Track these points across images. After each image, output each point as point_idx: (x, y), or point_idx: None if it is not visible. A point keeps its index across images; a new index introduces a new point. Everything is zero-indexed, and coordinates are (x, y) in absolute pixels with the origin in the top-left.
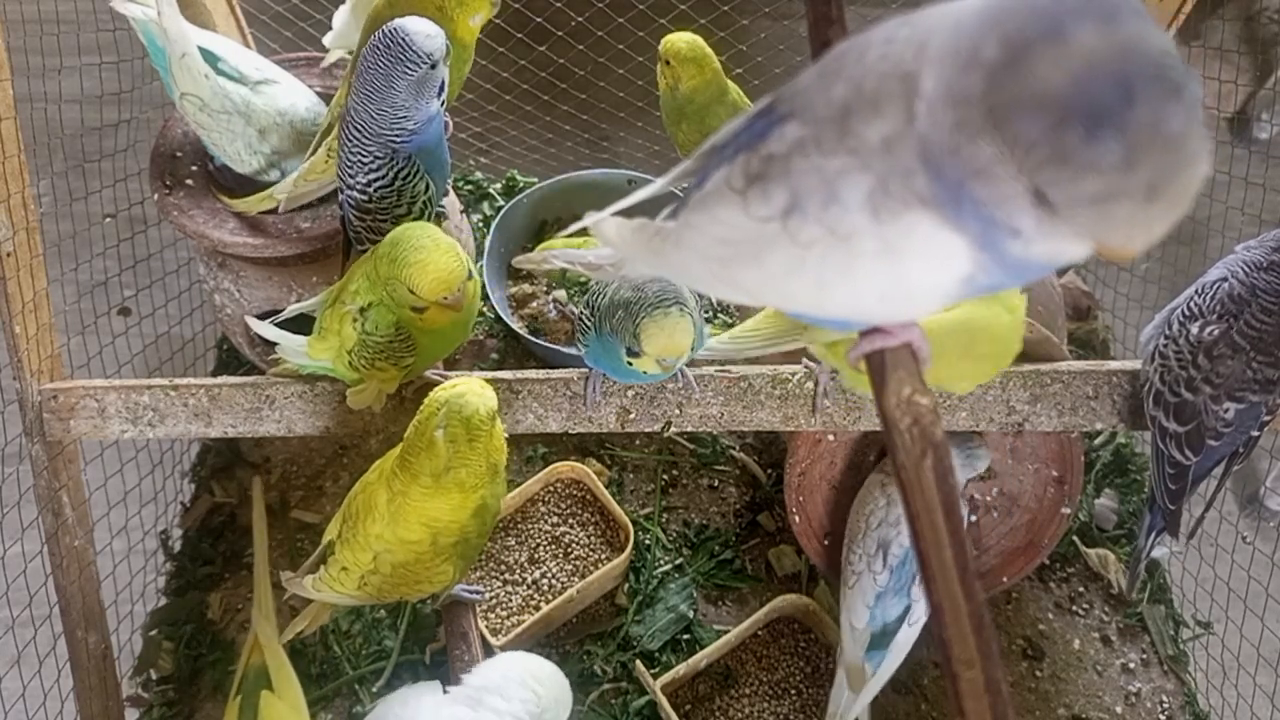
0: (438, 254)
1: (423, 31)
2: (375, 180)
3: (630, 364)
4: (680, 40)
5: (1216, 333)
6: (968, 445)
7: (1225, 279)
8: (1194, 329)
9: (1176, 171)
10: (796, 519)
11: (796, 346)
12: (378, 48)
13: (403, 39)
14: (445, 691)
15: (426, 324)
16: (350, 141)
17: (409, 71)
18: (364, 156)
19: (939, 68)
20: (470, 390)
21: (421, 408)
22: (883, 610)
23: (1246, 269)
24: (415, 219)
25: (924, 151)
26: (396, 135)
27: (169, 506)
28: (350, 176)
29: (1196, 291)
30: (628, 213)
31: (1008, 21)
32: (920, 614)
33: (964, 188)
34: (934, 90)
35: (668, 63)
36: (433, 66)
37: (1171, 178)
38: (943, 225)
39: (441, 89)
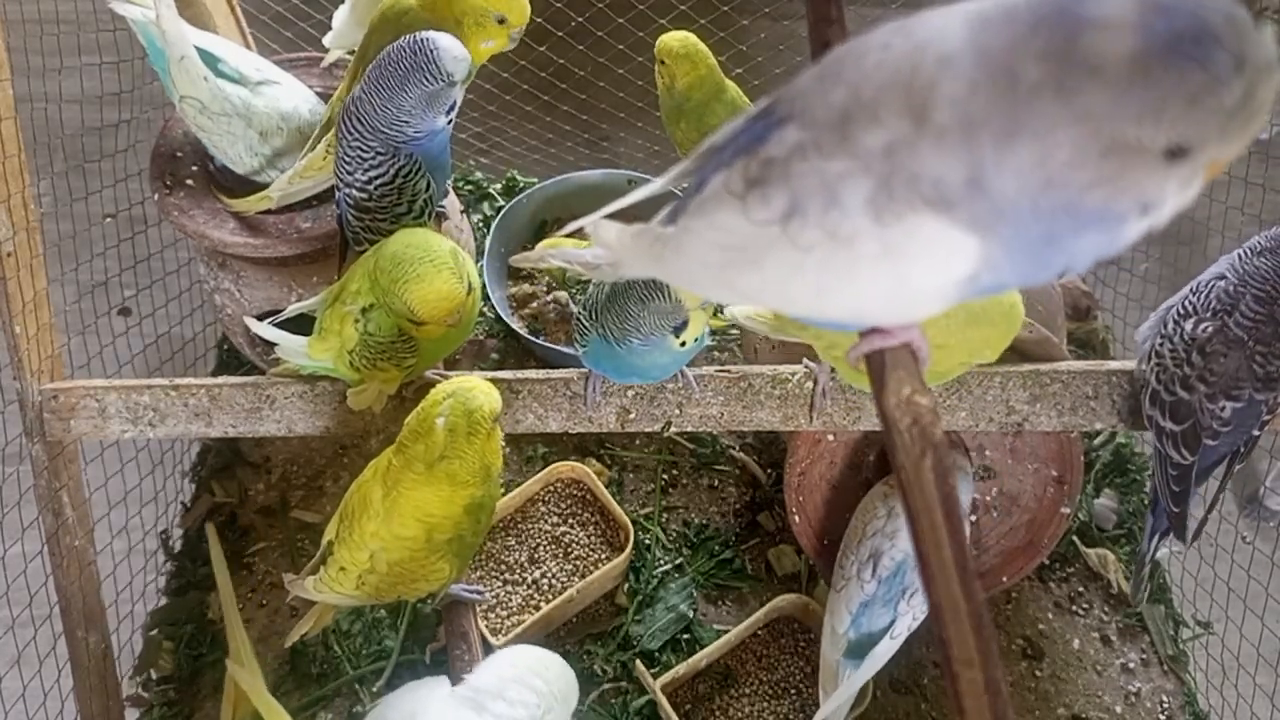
0: (439, 279)
1: (451, 51)
2: (377, 177)
3: (684, 343)
4: (673, 39)
5: (1210, 330)
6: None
7: (1223, 275)
8: (1188, 326)
9: (1261, 38)
10: (796, 519)
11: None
12: (404, 50)
13: (430, 50)
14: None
15: (425, 335)
16: (351, 135)
17: (426, 83)
18: (364, 151)
19: (986, 130)
20: (479, 387)
21: (428, 396)
22: (867, 619)
23: (1244, 256)
24: (416, 218)
25: (1000, 210)
26: (397, 136)
27: (169, 506)
28: (349, 174)
29: (1192, 290)
30: (626, 212)
31: (1025, 41)
32: (903, 629)
33: (1078, 208)
34: (994, 149)
35: (662, 62)
36: (450, 85)
37: (1264, 45)
38: (949, 227)
39: (452, 108)
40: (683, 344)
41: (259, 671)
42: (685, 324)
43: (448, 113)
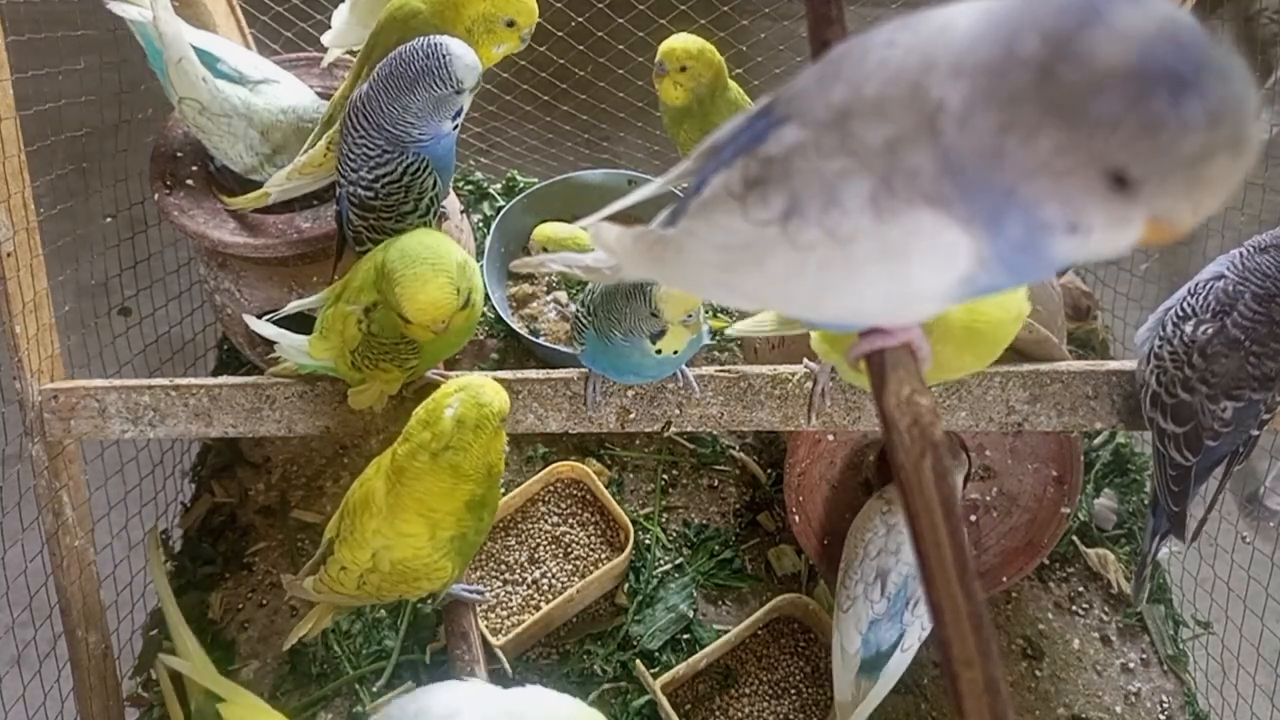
0: (433, 284)
1: (464, 59)
2: (384, 175)
3: (660, 351)
4: (690, 41)
5: (1211, 331)
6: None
7: (1221, 275)
8: (1188, 328)
9: (1248, 124)
10: (796, 519)
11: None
12: (416, 52)
13: (442, 55)
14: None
15: (411, 334)
16: (356, 132)
17: (435, 87)
18: (370, 149)
19: (967, 79)
20: (489, 386)
21: (439, 389)
22: (876, 636)
23: (1245, 253)
24: (421, 217)
25: (950, 166)
26: (403, 136)
27: (169, 506)
28: (353, 171)
29: (1190, 291)
30: (626, 213)
31: (1042, 18)
32: (913, 640)
33: (1014, 194)
34: (964, 101)
35: (683, 68)
36: (458, 92)
37: (1246, 130)
38: (948, 225)
39: (458, 114)
40: (659, 352)
41: (206, 660)
42: (663, 334)
43: (453, 119)
